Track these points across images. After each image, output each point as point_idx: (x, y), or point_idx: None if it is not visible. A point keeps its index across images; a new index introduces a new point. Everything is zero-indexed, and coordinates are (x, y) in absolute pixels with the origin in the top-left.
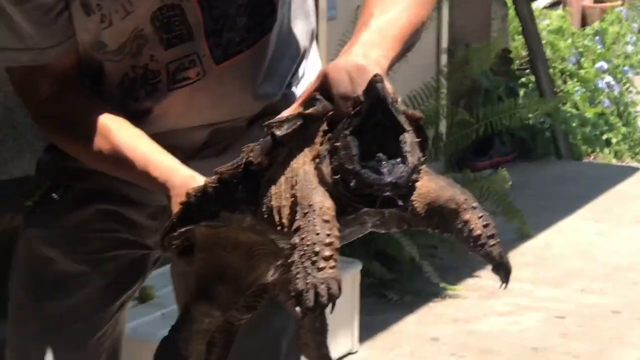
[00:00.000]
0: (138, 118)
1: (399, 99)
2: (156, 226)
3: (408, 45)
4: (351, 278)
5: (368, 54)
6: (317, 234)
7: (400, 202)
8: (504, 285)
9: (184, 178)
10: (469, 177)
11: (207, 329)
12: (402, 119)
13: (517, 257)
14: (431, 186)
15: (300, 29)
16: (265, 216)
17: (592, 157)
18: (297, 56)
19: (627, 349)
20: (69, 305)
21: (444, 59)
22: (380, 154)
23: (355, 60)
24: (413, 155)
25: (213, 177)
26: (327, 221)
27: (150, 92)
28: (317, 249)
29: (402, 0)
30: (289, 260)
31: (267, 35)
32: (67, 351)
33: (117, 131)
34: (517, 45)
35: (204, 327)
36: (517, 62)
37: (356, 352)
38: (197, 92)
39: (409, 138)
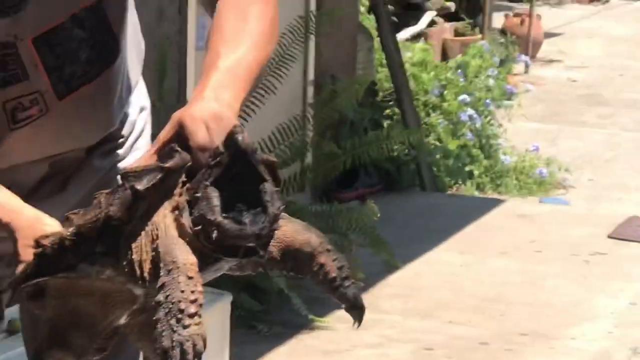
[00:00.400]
0: None
1: (253, 144)
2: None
3: (257, 82)
4: (221, 310)
5: (220, 97)
6: (182, 291)
7: (262, 252)
8: (356, 324)
9: (29, 219)
10: (337, 209)
11: None
12: (261, 169)
13: (385, 288)
14: (287, 230)
15: (135, 58)
16: (126, 269)
17: (455, 189)
18: (134, 84)
19: None
20: None
21: (310, 91)
22: (240, 205)
23: (210, 107)
24: (273, 205)
25: (70, 229)
26: (191, 277)
27: None
28: (182, 306)
29: (247, 38)
30: (153, 318)
31: (110, 67)
32: None
33: None
34: (381, 77)
35: None
36: (381, 94)
37: None
38: (40, 128)
39: (269, 187)
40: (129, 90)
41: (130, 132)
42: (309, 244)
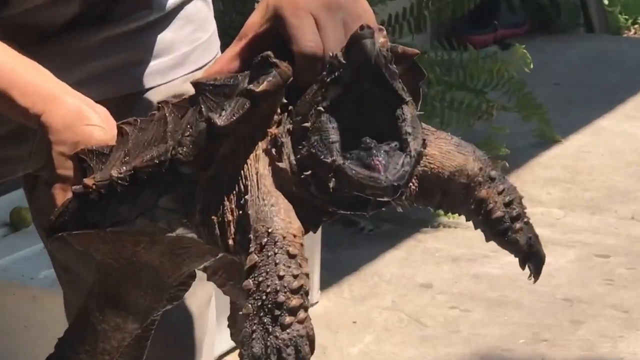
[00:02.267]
0: None
1: (386, 39)
2: (24, 152)
3: None
4: None
5: None
6: (281, 276)
7: (398, 205)
8: (533, 279)
9: (68, 114)
10: (470, 57)
11: (119, 345)
12: (398, 85)
13: (538, 170)
14: (432, 153)
15: None
16: (202, 231)
17: (633, 31)
18: None
19: None
20: None
21: None
22: (367, 139)
23: None
24: (415, 139)
25: (123, 170)
26: (293, 255)
27: None
28: (280, 298)
29: None
30: (241, 312)
31: None
32: None
33: None
34: None
35: (115, 345)
36: None
37: (316, 303)
38: None
39: (408, 113)
40: None
41: None
42: (463, 172)
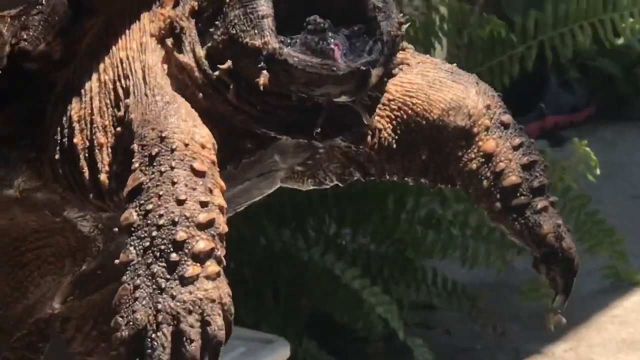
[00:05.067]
0: None
1: None
2: None
3: None
4: None
5: None
6: (181, 200)
7: (365, 121)
8: (560, 302)
9: None
10: None
11: None
12: None
13: (612, 329)
14: (415, 81)
15: None
16: (60, 171)
17: None
18: None
19: None
20: None
21: None
22: (316, 17)
23: None
24: (388, 17)
25: None
26: (200, 173)
27: None
28: (179, 234)
29: None
30: (118, 260)
31: None
32: None
33: None
34: None
35: None
36: None
37: None
38: None
39: None
40: None
41: None
42: (462, 110)
